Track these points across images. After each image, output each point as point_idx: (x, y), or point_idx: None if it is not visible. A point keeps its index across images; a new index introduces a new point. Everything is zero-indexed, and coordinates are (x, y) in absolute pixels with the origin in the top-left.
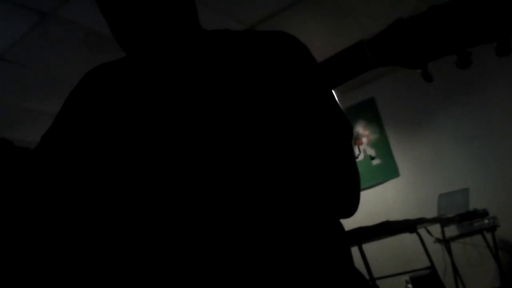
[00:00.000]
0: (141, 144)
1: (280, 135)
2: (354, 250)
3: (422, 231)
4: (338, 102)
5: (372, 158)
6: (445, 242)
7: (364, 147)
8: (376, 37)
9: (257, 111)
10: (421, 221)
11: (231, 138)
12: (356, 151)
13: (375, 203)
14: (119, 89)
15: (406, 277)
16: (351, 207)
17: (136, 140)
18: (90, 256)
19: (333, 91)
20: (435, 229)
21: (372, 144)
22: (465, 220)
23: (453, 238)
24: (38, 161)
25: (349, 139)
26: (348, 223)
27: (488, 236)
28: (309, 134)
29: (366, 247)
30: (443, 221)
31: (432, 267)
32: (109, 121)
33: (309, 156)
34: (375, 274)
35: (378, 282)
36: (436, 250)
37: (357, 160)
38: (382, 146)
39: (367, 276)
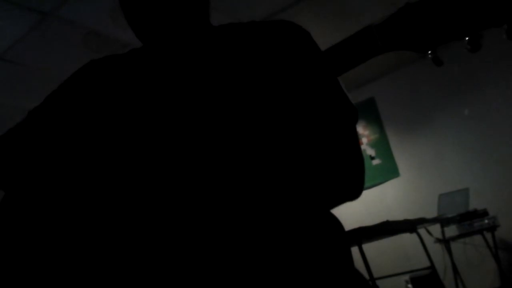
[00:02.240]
0: (140, 140)
1: (283, 123)
2: (354, 250)
3: (422, 231)
4: (342, 87)
5: (372, 158)
6: (445, 242)
7: (364, 147)
8: (385, 22)
9: (260, 101)
10: (421, 221)
11: (231, 131)
12: None
13: (375, 203)
14: (119, 82)
15: (406, 277)
16: (357, 189)
17: (134, 136)
18: (89, 256)
19: (337, 77)
20: (435, 229)
21: (372, 144)
22: (465, 220)
23: (453, 238)
24: (30, 159)
25: (353, 122)
26: (348, 223)
27: (488, 236)
28: (312, 119)
29: (366, 247)
30: (443, 221)
31: (432, 267)
32: (107, 115)
33: (313, 142)
34: (375, 274)
35: (378, 282)
36: (436, 250)
37: None
38: (382, 146)
39: (367, 276)
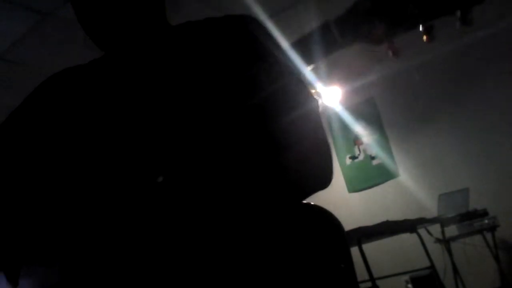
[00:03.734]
0: (110, 141)
1: (247, 120)
2: (354, 250)
3: (422, 231)
4: (301, 79)
5: (372, 158)
6: (445, 242)
7: (364, 147)
8: (341, 16)
9: (224, 98)
10: (421, 221)
11: (204, 134)
12: (356, 151)
13: (375, 203)
14: (82, 89)
15: (406, 277)
16: (327, 177)
17: (107, 136)
18: (87, 256)
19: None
20: (435, 229)
21: (372, 144)
22: (465, 220)
23: (453, 238)
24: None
25: (315, 110)
26: (348, 223)
27: (488, 236)
28: (273, 113)
29: (366, 247)
30: (443, 221)
31: (432, 267)
32: (71, 121)
33: (279, 137)
34: (375, 274)
35: (378, 282)
36: (436, 250)
37: (357, 160)
38: (382, 146)
39: (367, 276)
